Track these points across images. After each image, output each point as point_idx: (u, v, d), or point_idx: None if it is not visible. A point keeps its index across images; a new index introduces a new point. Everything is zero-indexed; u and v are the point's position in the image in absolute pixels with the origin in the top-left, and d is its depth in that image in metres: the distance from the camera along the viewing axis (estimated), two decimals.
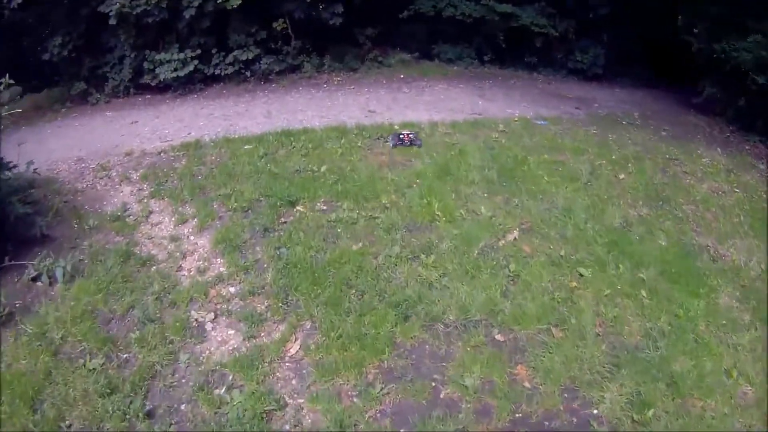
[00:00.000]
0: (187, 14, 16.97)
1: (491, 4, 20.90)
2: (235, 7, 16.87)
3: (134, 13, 16.49)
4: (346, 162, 12.01)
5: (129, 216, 9.72)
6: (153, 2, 16.39)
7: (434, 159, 12.17)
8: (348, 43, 20.43)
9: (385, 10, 21.24)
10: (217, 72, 18.45)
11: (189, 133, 13.55)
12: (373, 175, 11.31)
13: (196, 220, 9.58)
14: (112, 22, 16.66)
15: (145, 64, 17.80)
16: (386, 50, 20.81)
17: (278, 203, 9.75)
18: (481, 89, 19.44)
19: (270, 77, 18.90)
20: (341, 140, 13.27)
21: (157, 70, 17.68)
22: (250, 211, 10.08)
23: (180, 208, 9.90)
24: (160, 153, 12.31)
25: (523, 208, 10.52)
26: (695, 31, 19.68)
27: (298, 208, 9.83)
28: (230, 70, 18.42)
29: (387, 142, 13.21)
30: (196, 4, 16.83)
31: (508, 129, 14.95)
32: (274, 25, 18.55)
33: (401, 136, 12.57)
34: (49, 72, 19.55)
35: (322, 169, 11.63)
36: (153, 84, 17.97)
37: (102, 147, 12.70)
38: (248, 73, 18.69)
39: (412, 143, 12.41)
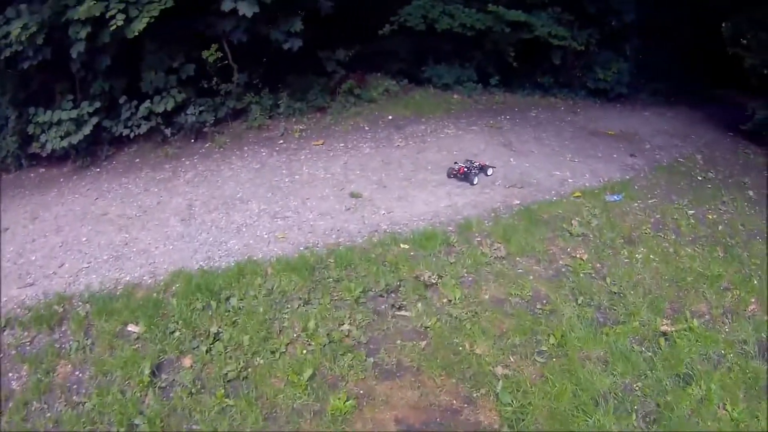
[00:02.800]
0: (75, 51, 10.15)
1: (500, 10, 14.22)
2: (138, 34, 10.06)
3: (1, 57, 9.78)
4: None
5: None
6: (24, 39, 9.71)
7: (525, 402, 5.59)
8: (313, 71, 13.43)
9: (359, 25, 14.35)
10: (125, 132, 11.28)
11: (62, 266, 7.81)
12: None
13: None
14: None
15: (30, 128, 10.83)
16: (364, 78, 13.12)
17: None
18: (501, 131, 12.83)
19: (203, 131, 11.71)
20: (309, 315, 6.66)
21: (43, 137, 10.75)
22: None
23: None
24: None
25: None
26: (744, 42, 15.51)
27: None
28: (144, 127, 11.23)
29: (401, 310, 6.79)
30: (83, 35, 9.91)
31: (583, 225, 8.82)
32: (205, 54, 11.15)
33: (456, 170, 9.89)
34: None
35: None
36: (44, 155, 11.11)
37: None
38: (169, 131, 11.37)
39: (466, 178, 9.68)
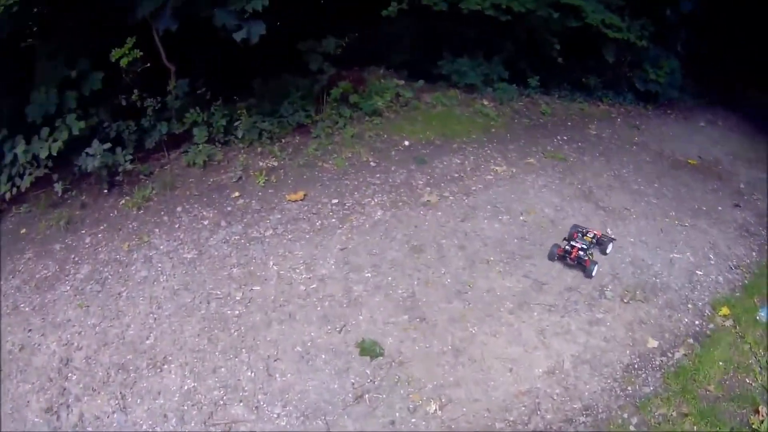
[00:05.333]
0: None
1: None
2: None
3: None
4: None
5: None
6: None
7: None
8: (289, 71, 7.37)
9: (353, 3, 8.91)
10: (4, 189, 6.04)
11: None
12: None
13: None
14: None
15: None
16: (362, 77, 7.00)
17: None
18: (569, 166, 7.97)
19: (116, 176, 6.38)
20: None
21: None
22: None
23: None
24: None
25: None
26: None
27: None
28: (28, 179, 6.00)
29: None
30: None
31: None
32: (116, 55, 5.93)
33: (565, 250, 5.60)
34: None
35: None
36: None
37: None
38: (60, 184, 6.14)
39: (580, 263, 5.44)
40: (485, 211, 6.43)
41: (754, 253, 6.66)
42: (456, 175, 7.17)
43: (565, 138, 8.86)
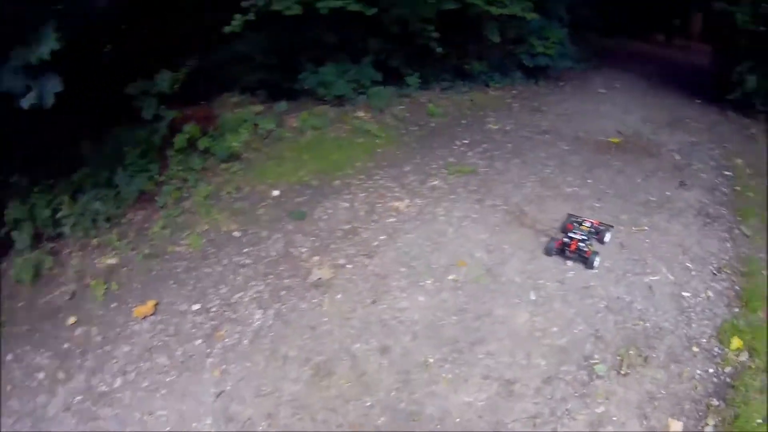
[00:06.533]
0: None
1: None
2: None
3: None
4: None
5: None
6: None
7: None
8: (118, 123, 4.24)
9: (189, 21, 7.08)
10: None
11: None
12: None
13: None
14: None
15: None
16: (209, 113, 5.20)
17: None
18: (483, 180, 6.38)
19: None
20: None
21: None
22: None
23: None
24: None
25: None
26: None
27: None
28: None
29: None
30: None
31: None
32: None
33: (563, 244, 5.04)
34: None
35: None
36: None
37: None
38: None
39: (581, 255, 4.91)
40: (400, 278, 4.75)
41: (727, 244, 5.53)
42: (347, 226, 5.47)
43: (465, 141, 7.41)
